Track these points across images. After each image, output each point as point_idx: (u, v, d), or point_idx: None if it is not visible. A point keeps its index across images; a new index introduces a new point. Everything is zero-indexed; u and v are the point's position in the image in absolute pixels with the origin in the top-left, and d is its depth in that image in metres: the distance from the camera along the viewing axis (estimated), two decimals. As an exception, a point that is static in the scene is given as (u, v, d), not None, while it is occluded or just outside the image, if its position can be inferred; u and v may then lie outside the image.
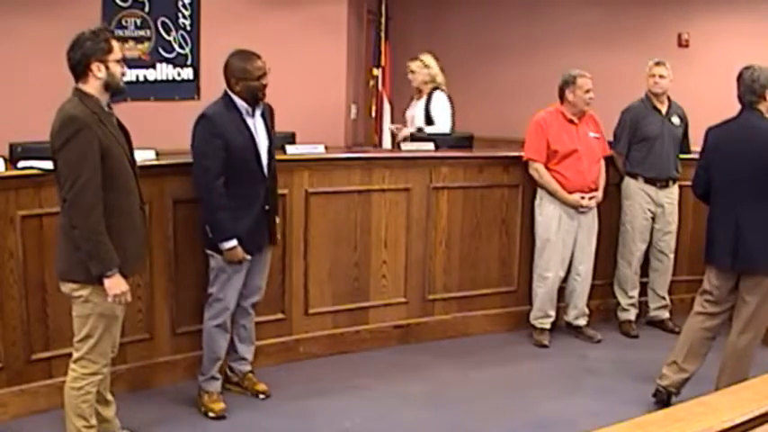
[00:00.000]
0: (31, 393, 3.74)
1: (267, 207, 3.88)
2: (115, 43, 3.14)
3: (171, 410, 3.87)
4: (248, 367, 4.10)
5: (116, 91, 3.15)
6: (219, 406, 3.84)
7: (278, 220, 4.06)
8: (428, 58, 5.80)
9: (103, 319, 3.12)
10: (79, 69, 3.06)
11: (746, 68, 3.83)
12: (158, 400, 3.95)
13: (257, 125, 3.84)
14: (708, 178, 3.94)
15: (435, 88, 5.78)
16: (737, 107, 3.86)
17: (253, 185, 3.82)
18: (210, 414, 3.82)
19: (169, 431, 3.69)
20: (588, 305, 5.07)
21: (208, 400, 3.86)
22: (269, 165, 3.87)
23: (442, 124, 5.73)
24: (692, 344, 3.99)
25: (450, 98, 5.80)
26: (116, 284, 3.07)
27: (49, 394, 3.75)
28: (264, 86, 3.79)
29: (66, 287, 3.14)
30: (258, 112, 3.85)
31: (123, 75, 3.15)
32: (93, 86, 3.07)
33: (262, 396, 4.05)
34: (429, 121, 5.71)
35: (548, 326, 4.98)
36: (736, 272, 3.85)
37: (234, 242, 3.74)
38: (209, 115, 3.74)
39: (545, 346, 4.92)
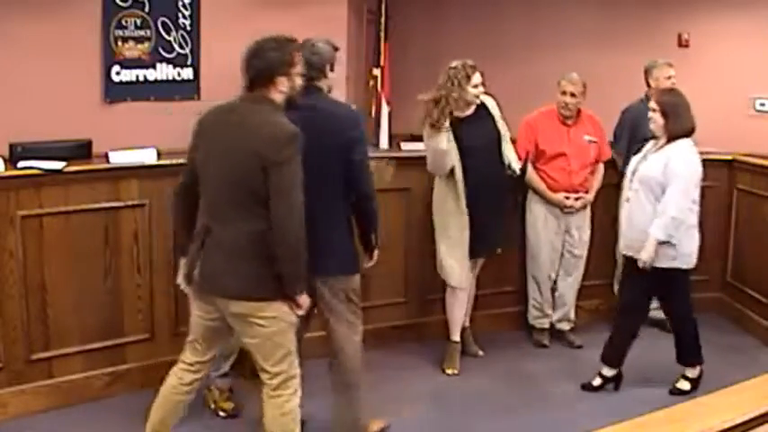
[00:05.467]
0: (31, 393, 3.75)
1: None
2: (298, 56, 3.02)
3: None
4: None
5: (292, 104, 3.02)
6: (230, 405, 3.90)
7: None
8: None
9: (292, 327, 3.05)
10: (261, 80, 2.94)
11: (307, 40, 3.36)
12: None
13: None
14: None
15: None
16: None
17: None
18: (221, 413, 3.88)
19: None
20: (588, 305, 5.07)
21: (219, 397, 3.91)
22: None
23: None
24: None
25: None
26: (306, 300, 3.03)
27: (49, 394, 3.76)
28: None
29: (246, 307, 2.93)
30: None
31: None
32: (277, 98, 2.96)
33: None
34: None
35: (547, 325, 4.98)
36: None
37: None
38: None
39: (545, 346, 4.92)
